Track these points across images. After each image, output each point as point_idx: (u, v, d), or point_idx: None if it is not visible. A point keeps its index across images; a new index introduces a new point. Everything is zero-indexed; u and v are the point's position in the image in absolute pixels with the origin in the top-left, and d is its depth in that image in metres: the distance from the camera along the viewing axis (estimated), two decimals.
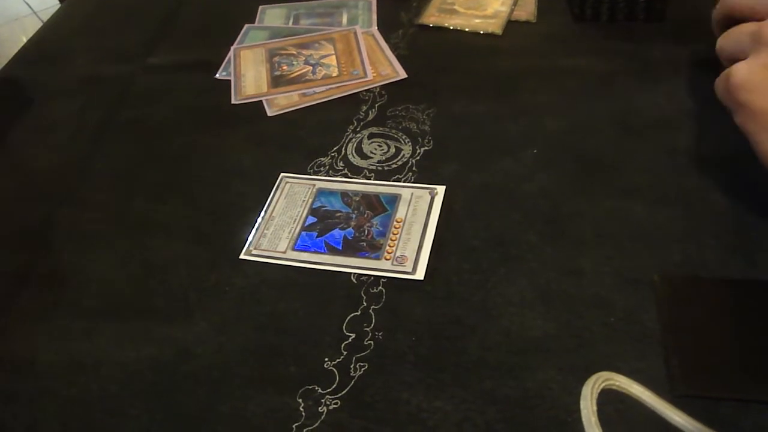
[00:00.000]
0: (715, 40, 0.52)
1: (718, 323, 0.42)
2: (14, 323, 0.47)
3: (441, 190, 0.52)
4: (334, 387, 0.40)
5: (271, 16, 0.78)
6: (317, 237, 0.50)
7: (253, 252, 0.49)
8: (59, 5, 0.96)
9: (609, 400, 0.38)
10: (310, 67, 0.68)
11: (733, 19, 0.51)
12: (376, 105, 0.63)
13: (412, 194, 0.52)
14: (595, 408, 0.38)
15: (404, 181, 0.54)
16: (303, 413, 0.39)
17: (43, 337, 0.46)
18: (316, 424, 0.39)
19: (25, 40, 0.82)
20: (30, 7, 2.58)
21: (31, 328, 0.47)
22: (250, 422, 0.39)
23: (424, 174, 0.55)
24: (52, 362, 0.44)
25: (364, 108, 0.63)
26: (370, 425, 0.39)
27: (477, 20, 0.73)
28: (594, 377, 0.39)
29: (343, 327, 0.44)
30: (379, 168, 0.56)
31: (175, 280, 0.49)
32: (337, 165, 0.56)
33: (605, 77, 0.63)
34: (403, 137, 0.59)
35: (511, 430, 0.38)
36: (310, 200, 0.53)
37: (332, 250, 0.49)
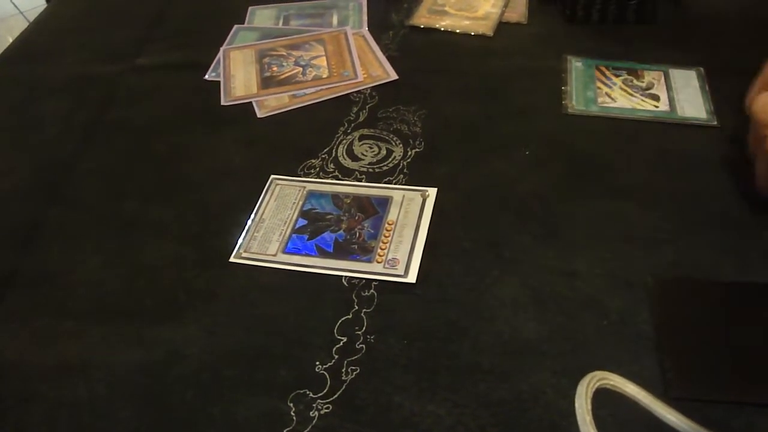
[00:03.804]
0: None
1: (712, 325, 0.42)
2: (1, 324, 0.46)
3: (432, 191, 0.52)
4: (325, 391, 0.40)
5: (261, 17, 0.77)
6: (308, 240, 0.49)
7: (244, 255, 0.49)
8: (46, 5, 0.95)
9: (604, 400, 0.38)
10: (301, 69, 0.68)
11: None
12: (367, 106, 0.62)
13: (403, 196, 0.52)
14: (589, 407, 0.38)
15: (395, 183, 0.54)
16: (294, 417, 0.39)
17: (29, 338, 0.45)
18: (308, 429, 0.38)
19: (11, 40, 0.81)
20: (16, 6, 2.56)
21: (17, 329, 0.46)
22: (240, 426, 0.39)
23: (416, 176, 0.54)
24: (39, 364, 0.43)
25: (355, 109, 0.62)
26: (363, 430, 0.38)
27: (468, 21, 0.72)
28: (589, 376, 0.39)
29: (335, 330, 0.43)
30: (370, 170, 0.55)
31: (165, 281, 0.48)
32: (327, 167, 0.56)
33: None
34: (394, 139, 0.58)
35: None
36: (301, 202, 0.53)
37: (323, 253, 0.48)
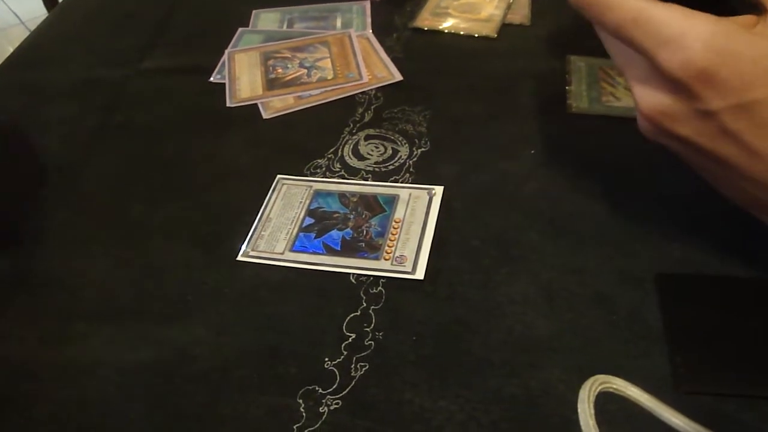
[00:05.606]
0: None
1: (721, 320, 0.42)
2: (9, 326, 0.46)
3: (439, 190, 0.52)
4: (334, 387, 0.40)
5: (265, 20, 0.78)
6: (315, 238, 0.49)
7: (251, 254, 0.49)
8: (47, 14, 0.95)
9: (612, 399, 0.38)
10: (305, 70, 0.68)
11: None
12: (372, 107, 0.62)
13: (410, 195, 0.52)
14: (592, 411, 0.37)
15: (402, 182, 0.54)
16: (304, 414, 0.39)
17: (38, 340, 0.45)
18: (317, 425, 0.38)
19: (11, 49, 0.81)
20: (17, 16, 2.57)
21: (26, 331, 0.46)
22: (250, 424, 0.39)
23: (422, 175, 0.54)
24: (48, 366, 0.43)
25: (360, 110, 0.62)
26: (373, 425, 0.38)
27: (471, 23, 0.72)
28: (591, 380, 0.38)
29: (343, 327, 0.43)
30: (377, 169, 0.55)
31: (173, 282, 0.48)
32: (333, 167, 0.56)
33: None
34: (400, 139, 0.58)
35: (517, 429, 0.37)
36: (308, 202, 0.53)
37: (331, 251, 0.48)
